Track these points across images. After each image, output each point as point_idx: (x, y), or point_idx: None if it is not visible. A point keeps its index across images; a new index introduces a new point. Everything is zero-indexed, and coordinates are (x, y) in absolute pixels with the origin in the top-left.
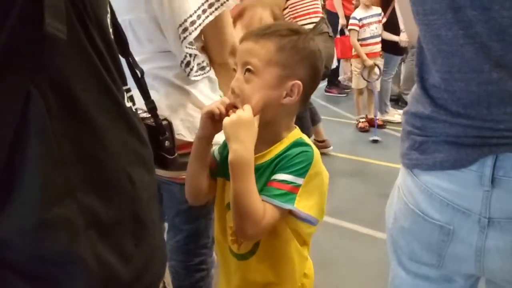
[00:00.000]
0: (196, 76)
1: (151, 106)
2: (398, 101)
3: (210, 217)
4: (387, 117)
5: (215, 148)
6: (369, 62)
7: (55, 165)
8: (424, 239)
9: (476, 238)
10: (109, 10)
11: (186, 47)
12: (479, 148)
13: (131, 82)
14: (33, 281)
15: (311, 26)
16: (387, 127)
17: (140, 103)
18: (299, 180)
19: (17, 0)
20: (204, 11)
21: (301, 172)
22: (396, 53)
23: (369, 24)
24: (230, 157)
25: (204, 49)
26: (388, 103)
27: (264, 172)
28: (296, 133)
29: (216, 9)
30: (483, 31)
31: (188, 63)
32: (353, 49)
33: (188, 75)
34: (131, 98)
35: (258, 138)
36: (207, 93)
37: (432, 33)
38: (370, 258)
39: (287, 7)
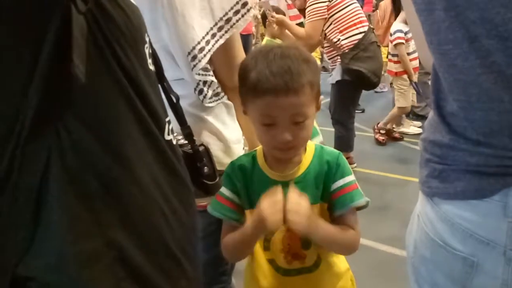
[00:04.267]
0: (211, 102)
1: (187, 132)
2: (409, 113)
3: None
4: (403, 129)
5: (223, 193)
6: (415, 77)
7: (82, 200)
8: (447, 270)
9: (501, 271)
10: (147, 39)
11: (198, 75)
12: (501, 178)
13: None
14: None
15: (360, 36)
16: (405, 139)
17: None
18: (353, 176)
19: (48, 37)
20: (213, 35)
21: (351, 173)
22: None
23: (411, 38)
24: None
25: (214, 74)
26: (403, 115)
27: (306, 183)
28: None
29: (226, 31)
30: (502, 60)
31: (201, 91)
32: (394, 66)
33: (202, 102)
34: (172, 130)
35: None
36: (223, 118)
37: (448, 62)
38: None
39: (330, 24)
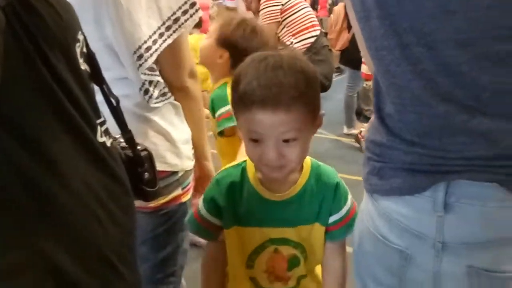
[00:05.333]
0: (157, 102)
1: (128, 137)
2: (359, 116)
3: (176, 244)
4: (353, 131)
5: (203, 215)
6: None
7: (5, 208)
8: (386, 263)
9: (432, 263)
10: (80, 38)
11: (144, 74)
12: (432, 175)
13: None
14: None
15: (312, 39)
16: (354, 141)
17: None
18: (348, 202)
19: None
20: (161, 34)
21: (347, 198)
22: (360, 68)
23: None
24: None
25: (161, 73)
26: (354, 117)
27: (302, 203)
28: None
29: (174, 31)
30: (430, 68)
31: (146, 91)
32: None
33: (148, 102)
34: (106, 132)
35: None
36: (171, 118)
37: (384, 67)
38: None
39: (284, 27)
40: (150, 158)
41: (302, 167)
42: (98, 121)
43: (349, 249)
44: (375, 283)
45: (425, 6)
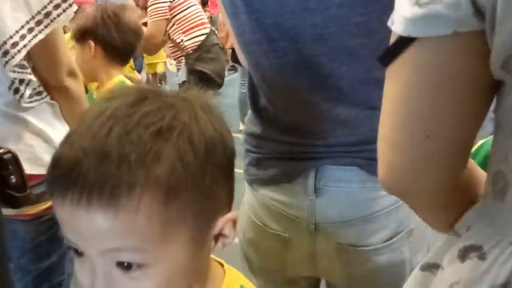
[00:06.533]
0: (31, 102)
1: None
2: None
3: (62, 252)
4: None
5: None
6: None
7: None
8: (267, 249)
9: (307, 243)
10: None
11: (13, 72)
12: (303, 162)
13: None
14: None
15: (202, 37)
16: None
17: None
18: None
19: None
20: (30, 29)
21: None
22: None
23: None
24: None
25: (35, 72)
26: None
27: None
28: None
29: (46, 26)
30: (296, 60)
31: (16, 90)
32: None
33: (19, 102)
34: None
35: None
36: (47, 118)
37: (253, 61)
38: None
39: (173, 24)
40: (15, 160)
41: None
42: None
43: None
44: (260, 269)
45: (287, 3)
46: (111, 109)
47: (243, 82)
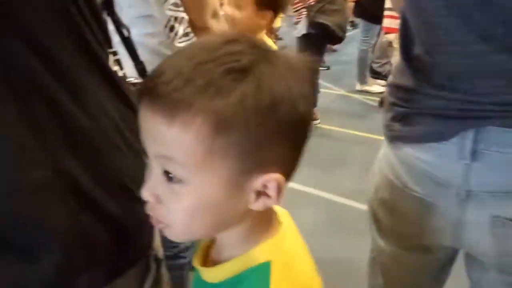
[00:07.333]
0: (181, 42)
1: (141, 68)
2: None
3: None
4: (366, 87)
5: None
6: None
7: (28, 125)
8: (403, 211)
9: (455, 211)
10: None
11: (169, 10)
12: (461, 121)
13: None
14: (7, 247)
15: None
16: (366, 97)
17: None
18: None
19: None
20: None
21: None
22: (375, 22)
23: None
24: None
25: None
26: (367, 73)
27: None
28: (262, 250)
29: None
30: (467, 2)
31: (172, 28)
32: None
33: (173, 41)
34: (118, 62)
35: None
36: None
37: (415, 5)
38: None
39: None
40: None
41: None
42: (110, 50)
43: (360, 205)
44: (392, 232)
45: None
46: (208, 42)
47: (364, 38)
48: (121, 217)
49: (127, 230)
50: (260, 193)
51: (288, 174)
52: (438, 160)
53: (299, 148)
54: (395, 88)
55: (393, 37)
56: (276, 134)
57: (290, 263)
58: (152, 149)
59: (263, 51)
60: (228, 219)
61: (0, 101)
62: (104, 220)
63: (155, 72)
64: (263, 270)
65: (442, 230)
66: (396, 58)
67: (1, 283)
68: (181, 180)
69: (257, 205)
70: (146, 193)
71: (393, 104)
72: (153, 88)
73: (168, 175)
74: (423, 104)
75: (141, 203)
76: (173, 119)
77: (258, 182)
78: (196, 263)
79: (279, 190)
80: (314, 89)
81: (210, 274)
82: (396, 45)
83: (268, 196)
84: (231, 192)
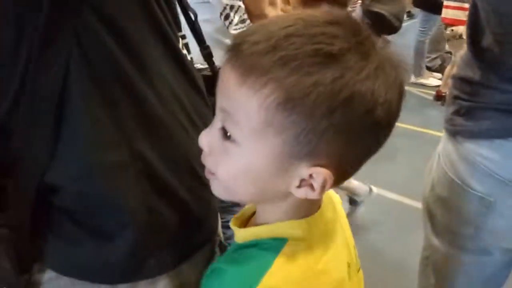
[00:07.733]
0: (236, 29)
1: (207, 52)
2: None
3: None
4: (422, 80)
5: None
6: None
7: (105, 107)
8: (461, 210)
9: None
10: None
11: None
12: None
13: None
14: (84, 228)
15: None
16: (422, 90)
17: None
18: None
19: None
20: None
21: None
22: (436, 12)
23: None
24: None
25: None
26: (424, 65)
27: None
28: (287, 226)
29: None
30: None
31: (227, 16)
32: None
33: (228, 28)
34: (186, 46)
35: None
36: None
37: None
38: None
39: None
40: None
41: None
42: (180, 33)
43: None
44: (447, 231)
45: None
46: (309, 16)
47: (423, 29)
48: (190, 201)
49: (194, 214)
50: (304, 182)
51: (340, 174)
52: (503, 158)
53: (364, 153)
54: (459, 80)
55: (462, 29)
56: (341, 132)
57: (311, 247)
58: (220, 101)
59: (361, 41)
60: (268, 194)
61: (80, 81)
62: (174, 204)
63: (248, 30)
64: (276, 245)
65: (503, 232)
66: (461, 51)
67: (77, 261)
68: (235, 140)
69: (299, 192)
70: (203, 141)
71: (457, 98)
72: (239, 44)
73: (225, 132)
74: (489, 98)
75: (209, 188)
76: (246, 79)
77: (306, 171)
78: (232, 223)
79: (324, 186)
80: (401, 98)
81: (239, 234)
82: (465, 37)
83: (311, 187)
84: (277, 170)
